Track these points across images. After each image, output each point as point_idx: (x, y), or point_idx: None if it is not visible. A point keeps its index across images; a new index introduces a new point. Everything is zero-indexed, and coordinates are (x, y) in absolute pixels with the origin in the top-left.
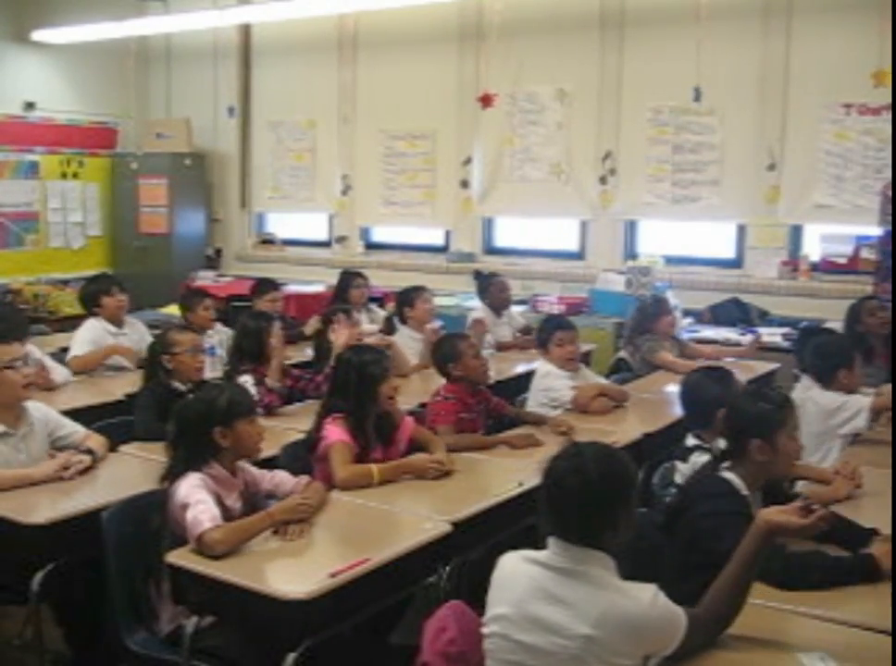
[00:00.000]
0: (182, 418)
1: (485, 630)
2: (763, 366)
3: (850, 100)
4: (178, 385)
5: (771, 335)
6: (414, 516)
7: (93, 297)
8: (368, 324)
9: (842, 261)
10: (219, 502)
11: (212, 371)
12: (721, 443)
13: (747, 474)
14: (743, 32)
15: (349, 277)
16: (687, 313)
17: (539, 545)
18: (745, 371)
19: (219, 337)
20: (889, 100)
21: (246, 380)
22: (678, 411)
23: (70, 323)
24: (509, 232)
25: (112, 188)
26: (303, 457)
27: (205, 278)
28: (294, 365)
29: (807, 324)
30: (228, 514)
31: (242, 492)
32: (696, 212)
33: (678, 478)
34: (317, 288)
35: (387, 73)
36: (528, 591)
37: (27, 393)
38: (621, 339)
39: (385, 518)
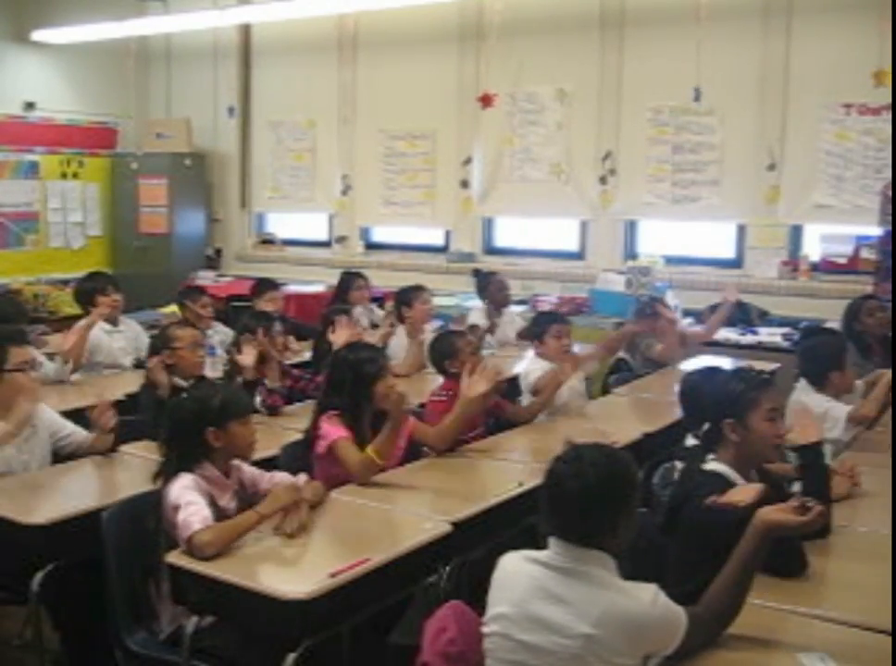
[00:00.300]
0: (175, 418)
1: (485, 629)
2: (763, 366)
3: (850, 100)
4: (178, 381)
5: (771, 335)
6: (414, 516)
7: (88, 295)
8: (369, 324)
9: (842, 261)
10: (213, 503)
11: (212, 371)
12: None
13: (734, 461)
14: (743, 32)
15: (350, 278)
16: (687, 313)
17: (539, 545)
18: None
19: (219, 337)
20: (889, 100)
21: None
22: (677, 411)
23: (70, 323)
24: (509, 232)
25: (112, 188)
26: (303, 457)
27: (205, 278)
28: (294, 365)
29: (808, 324)
30: (222, 515)
31: (237, 492)
32: (696, 212)
33: (670, 481)
34: (317, 288)
35: (387, 73)
36: (528, 590)
37: (35, 396)
38: None
39: (385, 518)
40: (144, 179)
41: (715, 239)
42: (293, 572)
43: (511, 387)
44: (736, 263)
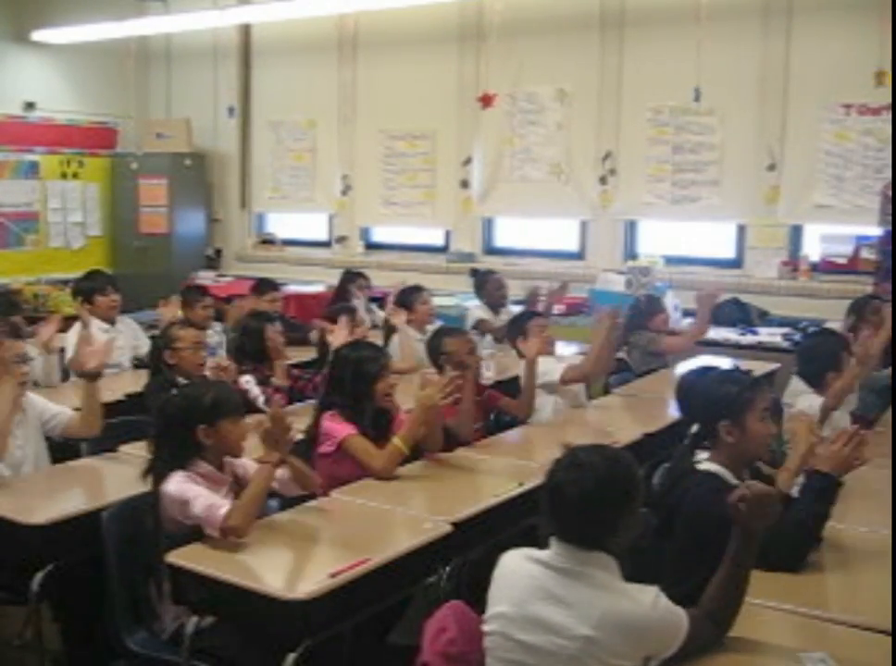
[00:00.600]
0: (165, 415)
1: (485, 627)
2: (763, 366)
3: (850, 100)
4: (181, 380)
5: (771, 335)
6: (414, 516)
7: (87, 294)
8: (370, 324)
9: (842, 261)
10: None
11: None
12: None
13: (727, 461)
14: (743, 32)
15: (351, 278)
16: (687, 313)
17: (539, 545)
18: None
19: (219, 337)
20: (889, 100)
21: (248, 380)
22: (677, 411)
23: (71, 323)
24: (509, 232)
25: (112, 188)
26: (303, 457)
27: (205, 278)
28: (295, 365)
29: (807, 324)
30: None
31: (232, 486)
32: (696, 212)
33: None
34: (317, 288)
35: (387, 73)
36: (529, 590)
37: (22, 391)
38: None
39: (385, 518)
40: (144, 179)
41: (715, 239)
42: (293, 572)
43: (512, 387)
44: (736, 263)
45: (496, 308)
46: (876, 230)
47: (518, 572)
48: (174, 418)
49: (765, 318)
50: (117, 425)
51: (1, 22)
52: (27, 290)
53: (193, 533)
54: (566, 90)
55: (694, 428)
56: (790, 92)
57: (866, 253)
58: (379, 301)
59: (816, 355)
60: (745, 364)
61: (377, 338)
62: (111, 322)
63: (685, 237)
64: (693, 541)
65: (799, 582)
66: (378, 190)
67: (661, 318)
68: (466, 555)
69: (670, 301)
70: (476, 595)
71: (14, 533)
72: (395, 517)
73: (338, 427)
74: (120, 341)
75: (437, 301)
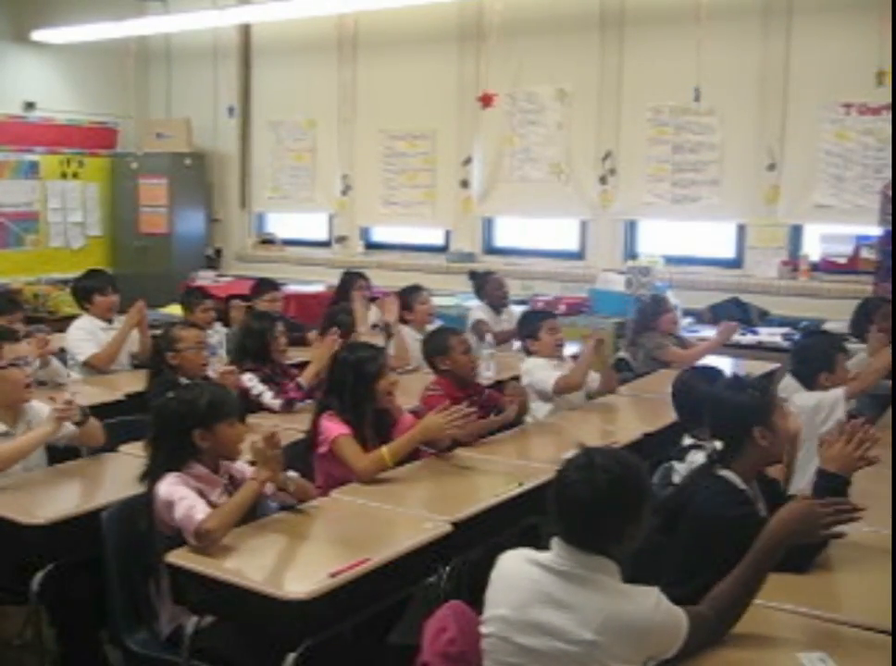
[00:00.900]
0: (161, 418)
1: (483, 629)
2: (763, 366)
3: (850, 100)
4: (183, 380)
5: (771, 335)
6: (414, 516)
7: (87, 293)
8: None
9: (842, 261)
10: (204, 499)
11: (212, 371)
12: (717, 444)
13: (744, 468)
14: (743, 32)
15: (351, 278)
16: (687, 313)
17: (539, 545)
18: (746, 371)
19: (219, 337)
20: (889, 100)
21: (251, 377)
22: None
23: (70, 323)
24: (509, 232)
25: (112, 188)
26: (303, 457)
27: (205, 278)
28: (295, 366)
29: (808, 324)
30: None
31: (227, 487)
32: (696, 212)
33: (676, 478)
34: (317, 288)
35: (387, 73)
36: (529, 594)
37: (28, 394)
38: (621, 338)
39: (385, 518)
40: (144, 179)
41: (715, 238)
42: (293, 572)
43: None
44: (736, 263)
45: (497, 308)
46: (876, 230)
47: (518, 574)
48: (170, 421)
49: (766, 318)
50: (116, 425)
51: (1, 22)
52: (27, 290)
53: None
54: (566, 89)
55: (718, 445)
56: (790, 92)
57: (866, 253)
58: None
59: (810, 355)
60: (745, 364)
61: (377, 338)
62: (109, 321)
63: (685, 237)
64: (698, 543)
65: (799, 582)
66: (378, 190)
67: (668, 318)
68: (466, 555)
69: (670, 300)
70: (476, 595)
71: (14, 533)
72: (395, 517)
73: (332, 427)
74: None
75: (437, 301)
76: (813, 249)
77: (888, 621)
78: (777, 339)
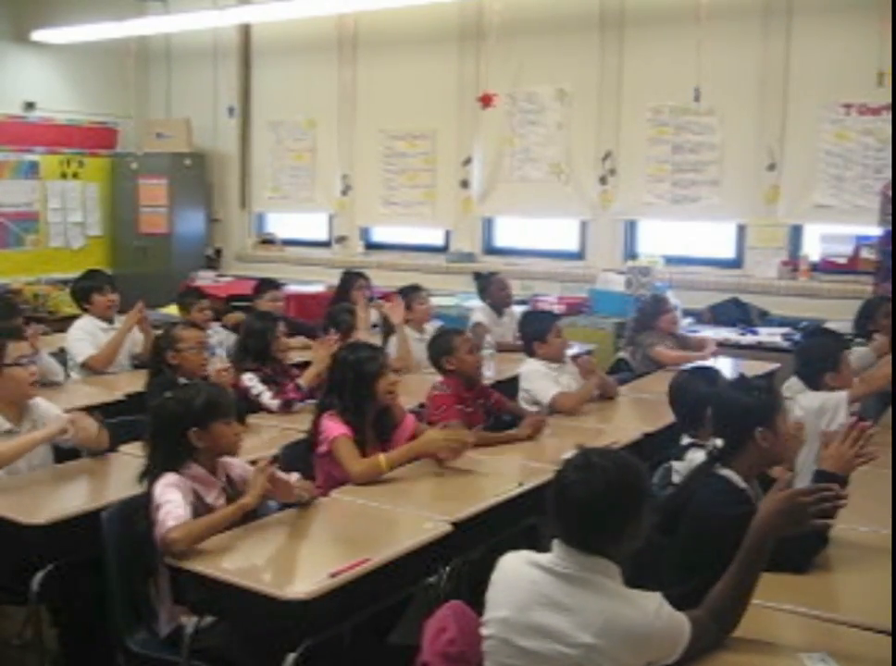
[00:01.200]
0: (158, 418)
1: (484, 631)
2: (763, 366)
3: (850, 100)
4: (183, 380)
5: (771, 335)
6: (414, 516)
7: (85, 293)
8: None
9: (842, 261)
10: (200, 500)
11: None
12: (717, 442)
13: (744, 468)
14: (743, 32)
15: (351, 278)
16: (687, 313)
17: (539, 545)
18: (746, 372)
19: (219, 337)
20: (889, 100)
21: (251, 377)
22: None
23: (70, 323)
24: (509, 232)
25: (112, 188)
26: (303, 457)
27: (204, 278)
28: (296, 366)
29: (808, 324)
30: (210, 512)
31: (224, 488)
32: (696, 212)
33: (676, 478)
34: (317, 288)
35: (387, 73)
36: (529, 596)
37: (33, 391)
38: (621, 339)
39: (385, 518)
40: (144, 179)
41: (715, 239)
42: (293, 572)
43: (512, 387)
44: (736, 263)
45: (500, 309)
46: (876, 230)
47: (519, 576)
48: (167, 421)
49: (765, 318)
50: (116, 425)
51: (1, 22)
52: (27, 290)
53: None
54: (566, 90)
55: (719, 443)
56: (790, 92)
57: (866, 253)
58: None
59: (814, 356)
60: (745, 364)
61: (374, 338)
62: (109, 321)
63: (685, 237)
64: (699, 542)
65: (799, 582)
66: (378, 190)
67: (667, 318)
68: (466, 555)
69: (670, 300)
70: (476, 595)
71: (14, 533)
72: (395, 517)
73: (333, 427)
74: None
75: (437, 301)
76: (813, 249)
77: (888, 621)
78: (777, 339)
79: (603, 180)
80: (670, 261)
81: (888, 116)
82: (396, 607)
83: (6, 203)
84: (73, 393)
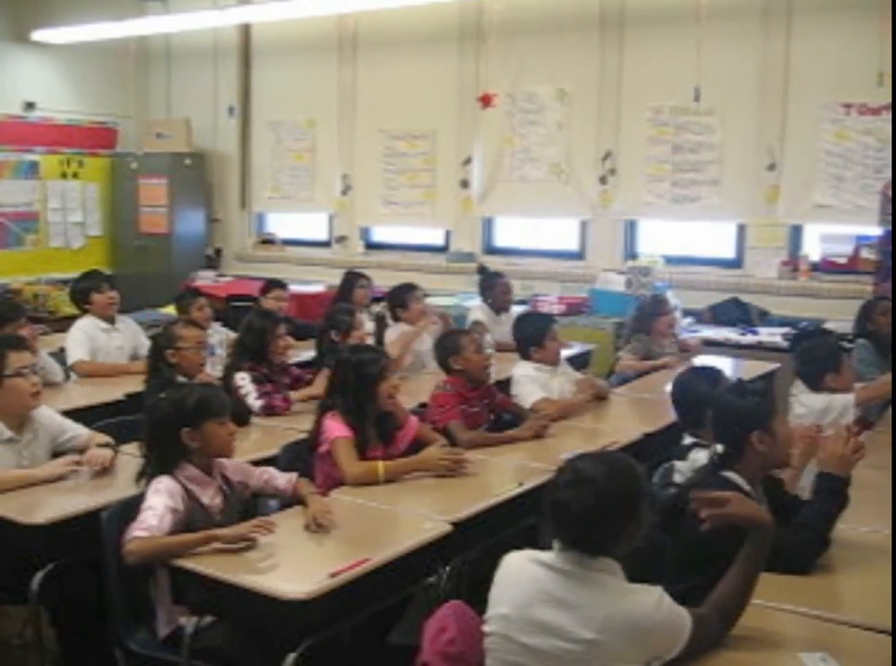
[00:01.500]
0: (152, 419)
1: (486, 628)
2: (763, 366)
3: (850, 100)
4: (181, 380)
5: (771, 335)
6: (414, 516)
7: (83, 294)
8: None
9: (842, 261)
10: (195, 501)
11: (212, 371)
12: (718, 447)
13: (747, 470)
14: (743, 32)
15: (353, 278)
16: (687, 313)
17: (539, 544)
18: (746, 371)
19: (219, 337)
20: (889, 100)
21: (244, 377)
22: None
23: (69, 323)
24: (509, 232)
25: (112, 188)
26: (303, 457)
27: (204, 278)
28: (297, 365)
29: (806, 324)
30: (206, 512)
31: (222, 488)
32: (696, 212)
33: (678, 477)
34: (317, 288)
35: (387, 73)
36: (531, 593)
37: (35, 402)
38: (621, 339)
39: (385, 518)
40: (144, 179)
41: (715, 238)
42: (293, 572)
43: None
44: (736, 263)
45: (499, 311)
46: (876, 230)
47: (521, 574)
48: (160, 421)
49: (765, 318)
50: (116, 424)
51: (1, 22)
52: (27, 290)
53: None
54: (566, 89)
55: (720, 448)
56: (790, 92)
57: (866, 253)
58: (381, 301)
59: (814, 357)
60: (745, 364)
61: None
62: (111, 321)
63: (685, 237)
64: (699, 541)
65: (799, 582)
66: (378, 189)
67: (665, 320)
68: (466, 555)
69: (670, 301)
70: (476, 595)
71: (14, 533)
72: (395, 517)
73: (334, 427)
74: (120, 341)
75: (437, 300)
76: (813, 249)
77: (888, 621)
78: (777, 339)
79: (602, 180)
80: (670, 261)
81: (888, 116)
82: (396, 607)
83: (6, 203)
84: (73, 393)
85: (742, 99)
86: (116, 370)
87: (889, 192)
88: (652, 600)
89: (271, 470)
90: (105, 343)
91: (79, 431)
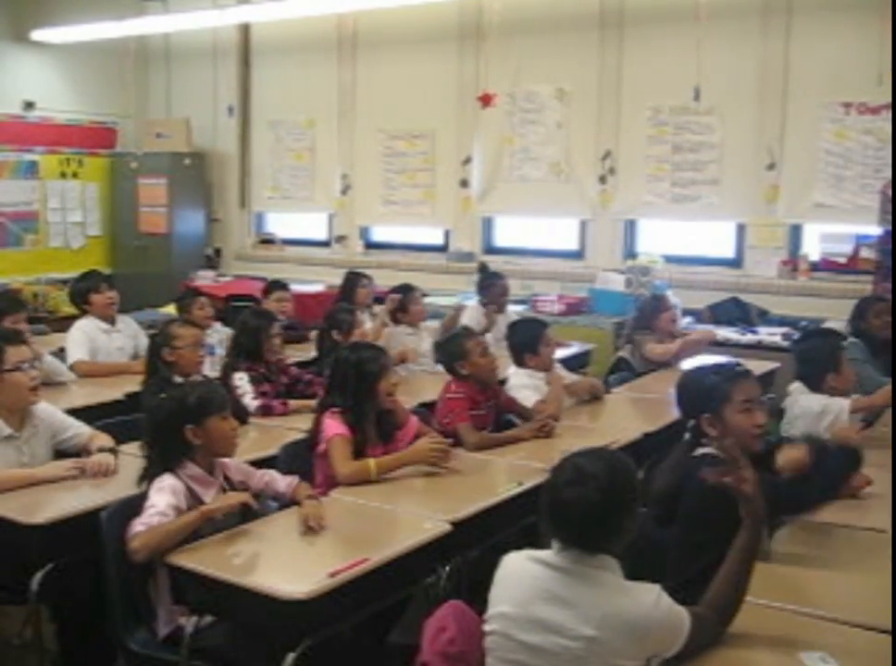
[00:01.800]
0: (155, 418)
1: (486, 627)
2: (763, 366)
3: (849, 99)
4: (179, 379)
5: (771, 334)
6: (414, 516)
7: (82, 294)
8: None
9: (842, 260)
10: (197, 500)
11: (212, 371)
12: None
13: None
14: (743, 32)
15: (354, 278)
16: (687, 312)
17: (538, 544)
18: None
19: (219, 336)
20: (889, 99)
21: (241, 377)
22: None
23: (70, 323)
24: (509, 232)
25: (112, 188)
26: (303, 457)
27: (204, 278)
28: (298, 365)
29: (808, 325)
30: None
31: (223, 487)
32: (696, 211)
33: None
34: (317, 287)
35: (387, 73)
36: (531, 591)
37: (34, 397)
38: (621, 338)
39: (385, 518)
40: (144, 179)
41: (715, 238)
42: (293, 571)
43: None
44: (736, 262)
45: (494, 313)
46: (875, 230)
47: (521, 572)
48: (163, 420)
49: (765, 318)
50: (116, 424)
51: (1, 22)
52: (27, 290)
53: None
54: (566, 89)
55: (690, 423)
56: (790, 92)
57: (866, 253)
58: (381, 300)
59: (814, 357)
60: (745, 364)
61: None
62: (111, 321)
63: (685, 236)
64: (697, 519)
65: (800, 582)
66: (377, 189)
67: (666, 317)
68: (465, 555)
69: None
70: (475, 595)
71: (14, 533)
72: (395, 517)
73: (332, 426)
74: (120, 341)
75: (437, 300)
76: (812, 248)
77: (888, 621)
78: (777, 338)
79: (602, 180)
80: (670, 260)
81: (888, 115)
82: (396, 607)
83: (6, 203)
84: (73, 393)
85: (742, 99)
86: (114, 369)
87: (889, 192)
88: (651, 598)
89: (272, 472)
90: (105, 344)
91: (81, 429)
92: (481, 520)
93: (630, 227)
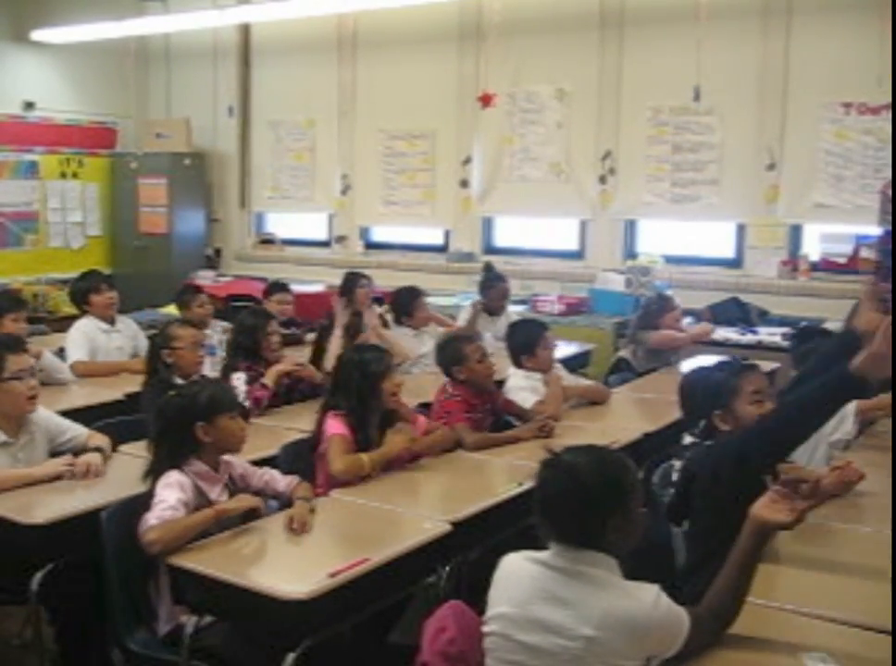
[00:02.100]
0: (164, 415)
1: (485, 628)
2: (763, 366)
3: (849, 99)
4: (178, 380)
5: (771, 335)
6: (414, 516)
7: (82, 294)
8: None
9: (842, 260)
10: (203, 496)
11: (212, 370)
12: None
13: None
14: (743, 32)
15: (354, 278)
16: (687, 312)
17: (538, 544)
18: None
19: (218, 337)
20: (889, 99)
21: (239, 377)
22: (677, 410)
23: (69, 323)
24: (509, 232)
25: (112, 188)
26: (303, 457)
27: (204, 278)
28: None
29: (805, 324)
30: None
31: (227, 486)
32: (696, 211)
33: (676, 477)
34: (317, 288)
35: (387, 73)
36: (530, 591)
37: (31, 406)
38: (621, 338)
39: (385, 518)
40: (144, 179)
41: (715, 238)
42: (293, 572)
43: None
44: (736, 262)
45: (492, 313)
46: (875, 230)
47: (519, 573)
48: (173, 417)
49: (765, 318)
50: (116, 424)
51: (1, 22)
52: (27, 290)
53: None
54: (566, 89)
55: (702, 424)
56: (790, 92)
57: (866, 253)
58: (380, 300)
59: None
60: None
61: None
62: (111, 321)
63: (685, 236)
64: (707, 496)
65: (800, 581)
66: (377, 189)
67: (672, 316)
68: (465, 555)
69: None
70: (476, 595)
71: (14, 533)
72: (395, 517)
73: (333, 426)
74: (120, 341)
75: (437, 301)
76: (812, 249)
77: (888, 621)
78: (777, 338)
79: (602, 180)
80: (670, 260)
81: (888, 115)
82: (396, 607)
83: (6, 203)
84: (73, 393)
85: (742, 99)
86: (112, 368)
87: (889, 192)
88: (649, 598)
89: (272, 472)
90: (105, 344)
91: (78, 431)
92: (481, 520)
93: (630, 227)
